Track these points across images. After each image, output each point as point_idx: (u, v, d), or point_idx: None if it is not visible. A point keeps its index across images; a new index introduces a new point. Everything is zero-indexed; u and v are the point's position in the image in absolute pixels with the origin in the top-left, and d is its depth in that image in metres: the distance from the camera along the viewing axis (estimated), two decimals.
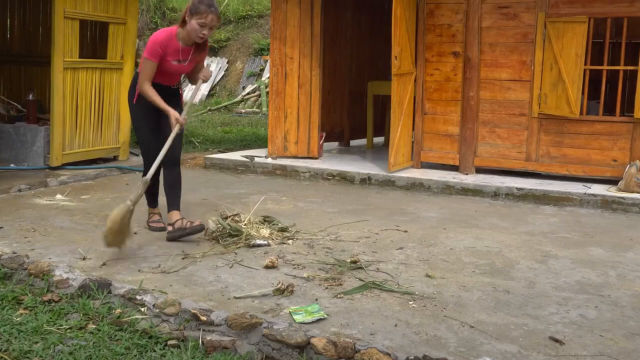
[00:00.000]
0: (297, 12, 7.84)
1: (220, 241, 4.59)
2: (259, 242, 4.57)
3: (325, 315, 3.33)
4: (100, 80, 7.56)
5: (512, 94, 6.97)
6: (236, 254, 4.39)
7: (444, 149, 7.34)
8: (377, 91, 8.94)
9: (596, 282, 4.03)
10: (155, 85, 4.63)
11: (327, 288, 3.74)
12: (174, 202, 4.77)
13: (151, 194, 5.00)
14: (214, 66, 16.55)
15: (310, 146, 7.98)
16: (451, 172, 7.19)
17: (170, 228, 4.70)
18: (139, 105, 4.77)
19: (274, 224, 4.92)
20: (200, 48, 4.74)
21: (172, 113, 4.56)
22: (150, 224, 5.04)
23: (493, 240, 4.92)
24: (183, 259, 4.25)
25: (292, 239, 4.75)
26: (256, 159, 7.81)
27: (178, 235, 4.64)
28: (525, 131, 6.95)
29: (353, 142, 9.59)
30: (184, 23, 4.54)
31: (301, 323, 3.22)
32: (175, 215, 4.73)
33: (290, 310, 3.38)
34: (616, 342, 3.15)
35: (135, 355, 3.06)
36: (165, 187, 4.81)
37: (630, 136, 6.53)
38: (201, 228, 4.68)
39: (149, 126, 4.82)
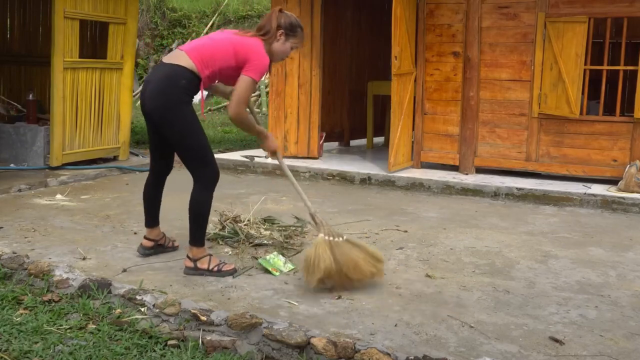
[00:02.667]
0: (297, 12, 7.82)
1: (220, 242, 4.59)
2: (258, 242, 4.57)
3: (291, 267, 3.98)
4: (100, 80, 7.56)
5: (512, 94, 6.97)
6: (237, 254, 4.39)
7: (444, 149, 7.33)
8: (377, 91, 8.94)
9: (596, 282, 4.03)
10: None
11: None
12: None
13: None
14: None
15: (310, 146, 7.98)
16: (451, 172, 7.19)
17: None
18: (191, 108, 3.90)
19: (275, 223, 4.92)
20: None
21: (274, 143, 4.01)
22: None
23: (493, 240, 4.92)
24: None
25: (292, 238, 4.75)
26: (256, 159, 7.81)
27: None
28: (525, 131, 6.95)
29: (353, 142, 9.59)
30: (269, 39, 3.91)
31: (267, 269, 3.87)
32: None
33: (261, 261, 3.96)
34: (616, 342, 3.15)
35: (135, 355, 3.06)
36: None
37: (630, 136, 6.53)
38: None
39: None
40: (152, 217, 4.26)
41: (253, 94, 15.88)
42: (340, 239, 3.78)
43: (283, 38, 3.93)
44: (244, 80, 3.75)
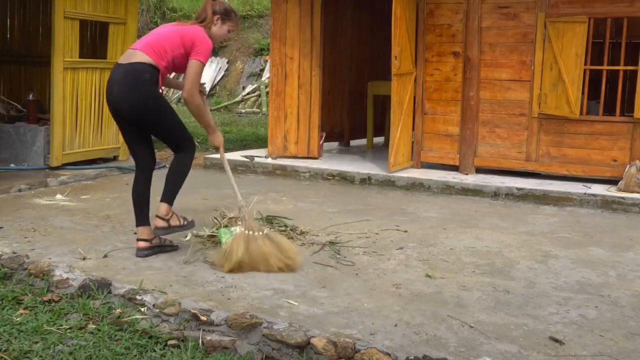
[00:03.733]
0: (297, 12, 7.83)
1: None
2: None
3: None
4: (100, 80, 7.56)
5: (512, 94, 6.97)
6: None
7: (444, 149, 7.33)
8: (377, 91, 8.94)
9: (596, 282, 4.03)
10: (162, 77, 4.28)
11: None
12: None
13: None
14: (214, 66, 16.55)
15: (310, 146, 7.98)
16: (451, 172, 7.19)
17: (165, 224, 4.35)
18: (160, 94, 4.27)
19: (275, 222, 4.92)
20: None
21: (220, 138, 4.35)
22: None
23: (493, 240, 4.92)
24: (185, 262, 4.24)
25: (292, 238, 4.75)
26: (256, 159, 7.81)
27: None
28: (525, 131, 6.95)
29: (353, 142, 9.59)
30: (208, 24, 4.31)
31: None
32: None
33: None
34: (616, 342, 3.15)
35: (135, 355, 3.06)
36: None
37: (630, 136, 6.53)
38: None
39: None
40: (144, 216, 4.39)
41: (252, 94, 15.92)
42: (260, 233, 4.13)
43: (219, 22, 4.35)
44: (193, 64, 4.14)
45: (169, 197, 4.28)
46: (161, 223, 4.26)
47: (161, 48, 4.15)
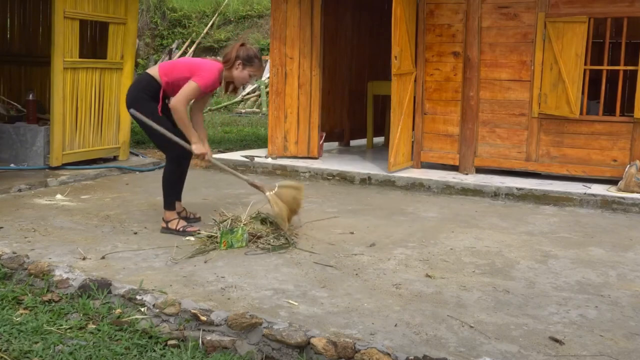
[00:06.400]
0: (297, 12, 7.84)
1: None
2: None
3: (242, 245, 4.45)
4: (100, 81, 7.56)
5: (512, 94, 6.97)
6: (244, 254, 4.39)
7: (444, 149, 7.34)
8: (377, 91, 8.94)
9: (596, 282, 4.03)
10: (165, 97, 4.85)
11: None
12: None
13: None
14: None
15: (310, 146, 7.98)
16: (451, 172, 7.19)
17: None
18: (149, 102, 4.81)
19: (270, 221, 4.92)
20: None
21: (201, 147, 4.73)
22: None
23: (493, 240, 4.92)
24: (190, 257, 4.25)
25: (293, 239, 4.75)
26: (256, 159, 7.81)
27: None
28: (525, 131, 6.95)
29: (353, 142, 9.59)
30: (231, 67, 4.76)
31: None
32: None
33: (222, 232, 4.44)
34: (616, 342, 3.15)
35: (135, 355, 3.06)
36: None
37: (630, 136, 6.53)
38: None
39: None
40: (180, 193, 5.11)
41: (252, 94, 15.93)
42: (276, 188, 4.80)
43: (241, 67, 4.77)
44: (189, 83, 4.63)
45: (163, 203, 4.94)
46: (163, 224, 4.92)
47: (170, 68, 4.77)
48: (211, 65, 4.75)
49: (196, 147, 4.70)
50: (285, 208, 4.71)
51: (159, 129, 4.69)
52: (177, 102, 4.60)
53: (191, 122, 4.84)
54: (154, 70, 4.81)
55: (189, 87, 4.61)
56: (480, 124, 7.13)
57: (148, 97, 4.76)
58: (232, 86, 4.93)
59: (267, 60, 15.84)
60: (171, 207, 4.91)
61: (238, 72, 4.77)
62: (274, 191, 4.76)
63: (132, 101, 4.79)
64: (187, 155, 4.86)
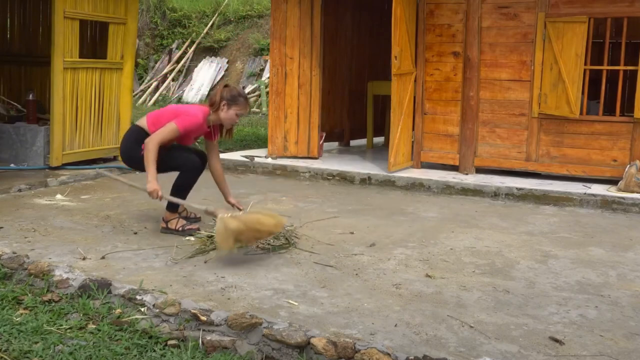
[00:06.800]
0: (297, 12, 7.84)
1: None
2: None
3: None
4: (100, 80, 7.56)
5: (512, 94, 6.97)
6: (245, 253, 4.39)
7: (444, 149, 7.34)
8: (377, 91, 8.94)
9: (596, 282, 4.03)
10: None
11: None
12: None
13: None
14: (215, 66, 16.55)
15: (310, 146, 7.98)
16: (451, 172, 7.19)
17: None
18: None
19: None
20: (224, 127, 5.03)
21: (153, 185, 4.60)
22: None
23: (493, 240, 4.92)
24: (190, 257, 4.25)
25: (294, 239, 4.75)
26: (256, 159, 7.81)
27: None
28: (525, 131, 6.95)
29: (353, 142, 9.59)
30: (217, 110, 4.82)
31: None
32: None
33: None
34: (616, 342, 3.15)
35: (135, 355, 3.06)
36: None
37: (630, 136, 6.53)
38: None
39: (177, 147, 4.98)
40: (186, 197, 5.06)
41: (252, 94, 15.94)
42: (238, 213, 4.60)
43: (226, 108, 4.82)
44: (169, 124, 4.71)
45: (167, 204, 4.94)
46: (163, 224, 4.96)
47: (157, 117, 4.86)
48: (196, 109, 4.83)
49: (149, 185, 4.62)
50: (238, 224, 4.24)
51: (134, 184, 4.97)
52: (151, 139, 4.64)
53: (213, 176, 5.08)
54: (142, 122, 4.90)
55: (166, 128, 4.69)
56: (480, 124, 7.13)
57: (140, 148, 4.81)
58: (225, 130, 5.00)
59: (267, 60, 15.85)
60: (174, 209, 4.94)
61: (224, 113, 4.82)
62: (229, 214, 4.40)
63: (126, 152, 4.92)
64: (200, 166, 4.96)
